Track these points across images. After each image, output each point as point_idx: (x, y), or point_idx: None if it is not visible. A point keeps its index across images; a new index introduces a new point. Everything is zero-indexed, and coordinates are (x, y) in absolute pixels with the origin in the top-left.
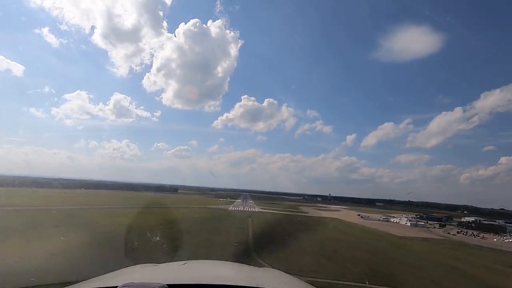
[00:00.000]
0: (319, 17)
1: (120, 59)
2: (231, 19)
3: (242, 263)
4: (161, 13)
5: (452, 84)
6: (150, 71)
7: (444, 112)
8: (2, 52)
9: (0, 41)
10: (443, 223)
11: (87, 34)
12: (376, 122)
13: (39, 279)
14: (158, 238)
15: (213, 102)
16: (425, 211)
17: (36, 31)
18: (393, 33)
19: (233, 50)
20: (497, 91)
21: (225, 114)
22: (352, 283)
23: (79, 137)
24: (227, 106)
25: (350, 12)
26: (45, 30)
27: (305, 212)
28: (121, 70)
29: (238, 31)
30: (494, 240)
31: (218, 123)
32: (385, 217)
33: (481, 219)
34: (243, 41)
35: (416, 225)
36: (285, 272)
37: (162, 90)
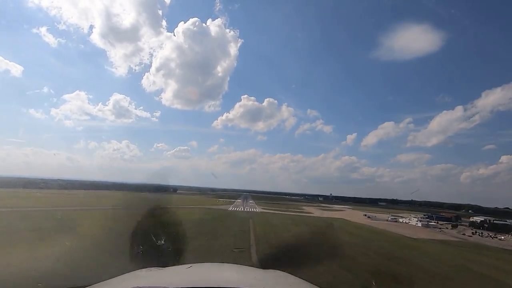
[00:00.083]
0: (319, 16)
1: (119, 59)
2: (231, 18)
3: None
4: (160, 12)
5: (453, 83)
6: (149, 71)
7: (445, 111)
8: (1, 52)
9: None
10: (455, 223)
11: (86, 34)
12: (377, 122)
13: None
14: (144, 246)
15: (213, 102)
16: (428, 210)
17: (34, 30)
18: (394, 31)
19: (233, 49)
20: (499, 89)
21: (225, 114)
22: None
23: (79, 138)
24: (227, 106)
25: (350, 11)
26: (43, 29)
27: (309, 212)
28: (120, 70)
29: (238, 30)
30: None
31: (218, 123)
32: (393, 217)
33: (491, 218)
34: (243, 40)
35: (427, 226)
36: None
37: (161, 90)
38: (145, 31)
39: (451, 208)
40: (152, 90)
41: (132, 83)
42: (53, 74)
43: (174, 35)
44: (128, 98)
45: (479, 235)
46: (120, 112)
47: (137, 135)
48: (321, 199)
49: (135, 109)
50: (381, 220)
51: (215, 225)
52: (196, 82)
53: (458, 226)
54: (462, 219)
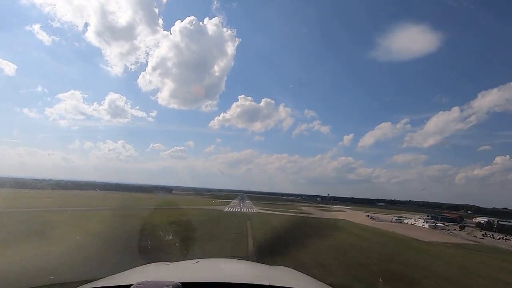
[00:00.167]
0: (316, 16)
1: (114, 57)
2: (228, 17)
3: None
4: (156, 10)
5: (450, 83)
6: (145, 70)
7: (441, 112)
8: None
9: None
10: (462, 224)
11: (80, 32)
12: (374, 122)
13: None
14: (123, 252)
15: (209, 102)
16: (427, 211)
17: (27, 28)
18: (391, 32)
19: (230, 48)
20: (495, 90)
21: (222, 114)
22: None
23: (74, 138)
24: (224, 106)
25: (348, 12)
26: (37, 27)
27: (309, 213)
28: (116, 69)
29: (235, 29)
30: None
31: (214, 123)
32: (397, 218)
33: (495, 219)
34: (240, 40)
35: (435, 227)
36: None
37: (157, 90)
38: (141, 30)
39: (450, 208)
40: (148, 89)
41: (128, 82)
42: (47, 73)
43: (171, 33)
44: (124, 98)
45: (491, 237)
46: (115, 111)
47: (133, 135)
48: (319, 199)
49: (131, 108)
50: (385, 221)
51: (209, 227)
52: (192, 81)
53: (465, 227)
54: (465, 219)
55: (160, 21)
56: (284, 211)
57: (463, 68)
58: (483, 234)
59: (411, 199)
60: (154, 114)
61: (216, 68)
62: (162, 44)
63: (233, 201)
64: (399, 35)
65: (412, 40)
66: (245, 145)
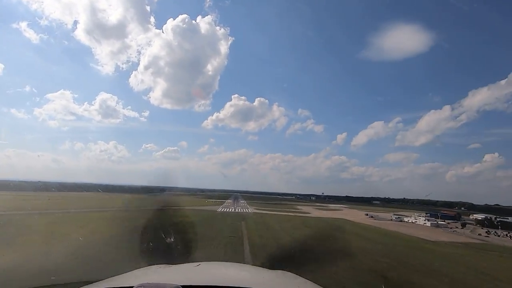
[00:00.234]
0: (310, 15)
1: (105, 56)
2: (221, 15)
3: None
4: (148, 8)
5: (442, 82)
6: (137, 69)
7: (433, 111)
8: None
9: None
10: (464, 222)
11: (70, 30)
12: (367, 121)
13: None
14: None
15: (203, 102)
16: (423, 208)
17: (14, 26)
18: (384, 31)
19: (224, 47)
20: (485, 89)
21: (215, 114)
22: None
23: (64, 139)
24: (218, 105)
25: (342, 11)
26: (24, 24)
27: (305, 212)
28: (107, 68)
29: (229, 28)
30: None
31: (208, 123)
32: (397, 217)
33: (492, 216)
34: (233, 38)
35: (437, 226)
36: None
37: (150, 89)
38: (133, 28)
39: (445, 206)
40: (140, 89)
41: (119, 82)
42: (36, 72)
43: (163, 32)
44: (115, 97)
45: (495, 235)
46: (107, 112)
47: (125, 135)
48: (313, 198)
49: (123, 108)
50: (385, 219)
51: (200, 230)
52: (185, 81)
53: (466, 225)
54: (462, 216)
55: (152, 19)
56: (280, 211)
57: (454, 67)
58: (486, 232)
59: (405, 197)
60: (146, 114)
61: (209, 67)
62: (154, 43)
63: (227, 201)
64: (392, 35)
65: (404, 40)
66: (239, 145)
